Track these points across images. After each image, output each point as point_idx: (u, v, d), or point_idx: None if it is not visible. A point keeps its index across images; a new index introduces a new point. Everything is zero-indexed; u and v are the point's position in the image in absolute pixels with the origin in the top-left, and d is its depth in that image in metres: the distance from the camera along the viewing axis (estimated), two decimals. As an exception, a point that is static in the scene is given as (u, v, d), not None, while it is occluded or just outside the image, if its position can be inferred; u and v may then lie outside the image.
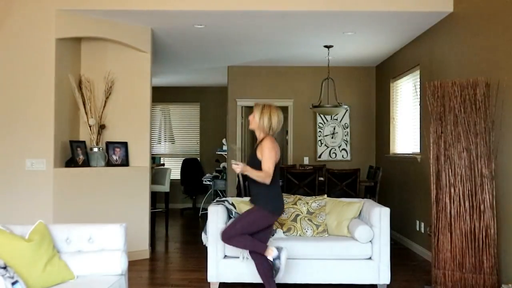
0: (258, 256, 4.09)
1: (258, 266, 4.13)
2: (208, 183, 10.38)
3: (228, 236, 4.07)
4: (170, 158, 11.36)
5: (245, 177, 6.93)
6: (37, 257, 3.11)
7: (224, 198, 5.06)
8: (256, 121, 4.05)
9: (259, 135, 4.08)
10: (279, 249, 4.02)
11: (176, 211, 10.34)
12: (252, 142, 9.31)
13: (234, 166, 3.88)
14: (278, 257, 4.00)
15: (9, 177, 5.35)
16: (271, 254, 4.02)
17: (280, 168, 7.27)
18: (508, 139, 4.35)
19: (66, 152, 5.66)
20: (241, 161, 8.88)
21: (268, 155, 3.91)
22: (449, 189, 4.59)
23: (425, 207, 5.98)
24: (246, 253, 4.50)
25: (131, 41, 5.96)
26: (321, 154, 8.84)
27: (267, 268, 4.06)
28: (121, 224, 3.60)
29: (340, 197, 5.78)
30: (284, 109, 8.86)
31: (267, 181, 3.92)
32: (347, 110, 8.70)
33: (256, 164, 3.97)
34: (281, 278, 4.52)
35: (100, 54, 6.09)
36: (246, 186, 6.81)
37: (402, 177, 7.17)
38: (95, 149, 5.79)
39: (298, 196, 5.15)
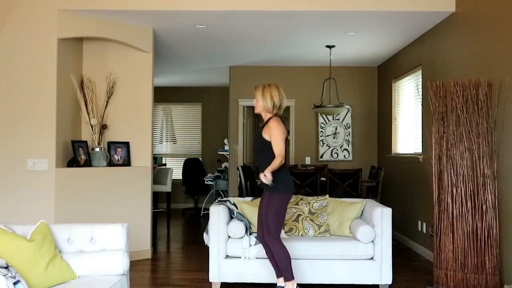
0: (280, 247, 4.08)
1: (276, 254, 4.12)
2: (210, 183, 10.38)
3: (272, 237, 4.05)
4: (171, 158, 11.36)
5: (247, 177, 6.95)
6: (39, 257, 3.11)
7: (225, 198, 5.05)
8: (260, 104, 4.06)
9: (265, 116, 4.10)
10: None
11: (178, 211, 10.34)
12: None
13: (264, 179, 3.90)
14: None
15: (11, 177, 5.35)
16: (289, 286, 4.06)
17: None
18: (510, 139, 4.34)
19: (68, 152, 5.66)
20: (243, 161, 8.92)
21: (277, 137, 3.93)
22: (451, 189, 4.58)
23: (427, 207, 5.97)
24: (248, 253, 4.50)
25: (133, 41, 5.96)
26: (323, 154, 8.83)
27: (286, 256, 4.06)
28: (123, 224, 3.60)
29: (342, 197, 5.77)
30: (286, 109, 8.82)
31: (282, 161, 3.93)
32: (349, 110, 8.68)
33: (263, 145, 4.00)
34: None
35: (102, 54, 6.09)
36: (247, 187, 6.82)
37: (404, 177, 7.16)
38: (97, 149, 5.79)
39: (300, 196, 5.14)
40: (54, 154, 5.38)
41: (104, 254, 3.42)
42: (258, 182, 5.15)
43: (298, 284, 4.15)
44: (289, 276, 4.08)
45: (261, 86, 4.09)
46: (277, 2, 5.38)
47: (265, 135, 4.00)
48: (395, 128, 7.71)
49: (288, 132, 9.15)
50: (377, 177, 7.05)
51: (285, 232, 4.84)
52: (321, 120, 8.83)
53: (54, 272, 3.15)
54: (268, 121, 4.05)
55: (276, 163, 3.92)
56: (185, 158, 11.03)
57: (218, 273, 4.61)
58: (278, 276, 4.21)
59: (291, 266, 4.09)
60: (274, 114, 4.07)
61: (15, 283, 2.78)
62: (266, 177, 3.88)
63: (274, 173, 3.95)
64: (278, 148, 3.93)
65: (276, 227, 4.06)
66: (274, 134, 3.95)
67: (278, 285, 4.20)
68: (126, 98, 6.08)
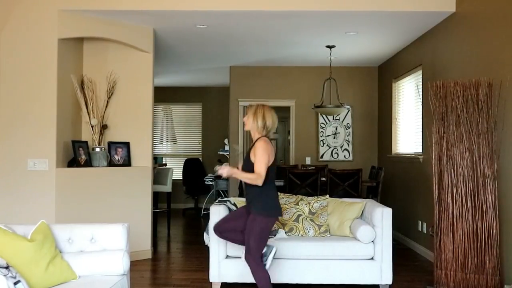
0: (259, 269, 3.97)
1: (256, 276, 4.02)
2: (210, 183, 10.38)
3: (253, 260, 3.94)
4: (172, 158, 11.36)
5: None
6: (39, 257, 3.11)
7: (226, 198, 5.06)
8: (250, 122, 4.03)
9: (254, 135, 4.05)
10: (269, 247, 4.01)
11: (178, 211, 10.34)
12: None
13: (220, 172, 3.87)
14: (266, 256, 3.99)
15: (11, 177, 5.36)
16: None
17: (283, 168, 7.27)
18: (511, 139, 4.34)
19: (68, 152, 5.67)
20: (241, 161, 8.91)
21: (260, 156, 3.85)
22: (451, 190, 4.59)
23: (427, 207, 5.97)
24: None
25: (133, 41, 5.97)
26: (323, 154, 8.83)
27: (266, 278, 3.95)
28: (123, 224, 3.60)
29: (342, 197, 5.78)
30: (286, 109, 8.87)
31: (259, 182, 3.85)
32: (349, 110, 8.68)
33: (249, 165, 3.93)
34: (283, 278, 4.53)
35: (102, 54, 6.10)
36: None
37: (404, 177, 7.16)
38: (97, 149, 5.79)
39: (300, 196, 5.14)
40: (55, 154, 5.38)
41: (104, 254, 3.43)
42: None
43: (298, 285, 4.12)
44: None
45: (254, 105, 4.07)
46: (277, 2, 5.39)
47: (252, 156, 3.93)
48: (395, 128, 7.71)
49: (288, 132, 9.14)
50: (377, 177, 7.05)
51: (285, 232, 4.85)
52: (321, 120, 8.83)
53: (54, 272, 3.15)
54: (255, 142, 3.99)
55: (250, 177, 3.85)
56: (185, 158, 11.03)
57: (218, 273, 4.62)
58: None
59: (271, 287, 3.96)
60: (263, 135, 4.01)
61: (15, 283, 2.78)
62: (223, 169, 3.86)
63: (259, 195, 3.92)
64: (258, 166, 3.84)
65: (257, 250, 3.96)
66: (258, 153, 3.86)
67: None
68: (127, 98, 6.08)
